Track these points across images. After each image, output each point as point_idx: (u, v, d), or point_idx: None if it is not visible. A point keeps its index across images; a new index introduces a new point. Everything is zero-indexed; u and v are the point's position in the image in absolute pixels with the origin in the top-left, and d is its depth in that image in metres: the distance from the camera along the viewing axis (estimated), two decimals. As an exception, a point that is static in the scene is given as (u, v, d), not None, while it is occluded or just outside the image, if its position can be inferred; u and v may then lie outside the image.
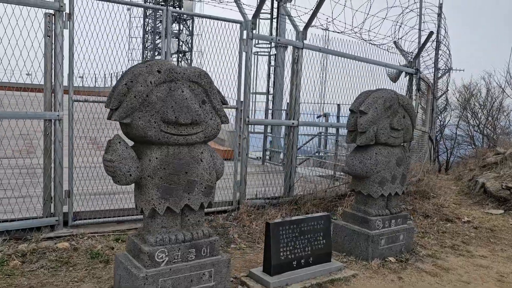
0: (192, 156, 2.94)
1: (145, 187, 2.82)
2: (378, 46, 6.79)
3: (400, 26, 6.75)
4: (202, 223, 3.11)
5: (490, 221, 5.95)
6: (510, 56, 38.04)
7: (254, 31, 5.33)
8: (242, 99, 5.40)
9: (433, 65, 9.75)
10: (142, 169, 2.78)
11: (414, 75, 7.51)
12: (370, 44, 7.06)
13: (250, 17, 5.38)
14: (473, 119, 25.46)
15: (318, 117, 11.63)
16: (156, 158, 2.81)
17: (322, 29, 6.11)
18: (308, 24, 5.75)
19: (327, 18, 6.47)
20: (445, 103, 17.06)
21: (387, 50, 6.99)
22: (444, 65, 11.18)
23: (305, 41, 5.84)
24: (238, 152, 5.61)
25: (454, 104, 27.22)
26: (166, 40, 4.84)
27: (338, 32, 6.16)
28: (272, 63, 12.95)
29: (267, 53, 13.11)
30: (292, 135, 5.94)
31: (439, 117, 22.88)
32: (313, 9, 5.46)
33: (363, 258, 4.11)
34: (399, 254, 4.30)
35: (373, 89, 4.27)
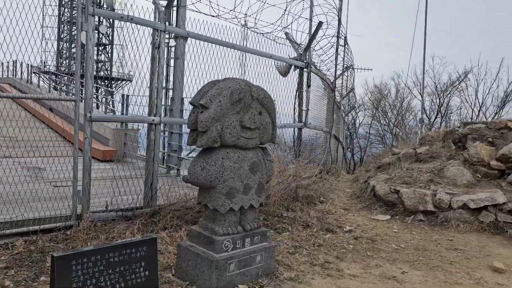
0: None
1: None
2: (263, 34, 6.08)
3: (285, 12, 6.11)
4: None
5: (374, 229, 5.48)
6: (410, 57, 40.35)
7: (96, 7, 4.31)
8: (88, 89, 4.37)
9: (329, 60, 9.34)
10: None
11: (304, 69, 6.92)
12: (258, 34, 6.34)
13: (91, -12, 4.35)
14: (383, 118, 26.39)
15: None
16: None
17: (194, 11, 5.23)
18: (169, 3, 4.85)
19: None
20: (354, 101, 17.16)
21: (274, 40, 6.30)
22: (343, 61, 10.90)
23: (167, 23, 4.93)
24: (83, 154, 4.56)
25: (367, 104, 28.08)
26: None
27: (213, 16, 5.33)
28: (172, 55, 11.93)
29: (165, 44, 12.08)
30: (154, 134, 5.01)
31: (350, 115, 23.31)
32: (173, -17, 4.56)
33: (206, 289, 3.29)
34: (254, 280, 3.55)
35: (221, 79, 3.47)
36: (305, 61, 6.97)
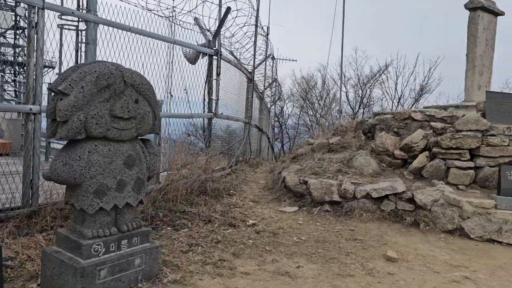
0: None
1: None
2: (167, 18, 5.68)
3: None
4: None
5: (279, 222, 5.36)
6: (329, 50, 41.67)
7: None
8: None
9: (244, 49, 9.14)
10: None
11: (214, 57, 6.62)
12: (163, 18, 5.92)
13: None
14: (311, 109, 26.96)
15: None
16: None
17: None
18: (47, -24, 4.29)
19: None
20: (280, 91, 17.22)
21: (179, 24, 5.92)
22: (266, 51, 10.76)
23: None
24: None
25: (295, 95, 28.52)
26: None
27: (105, -5, 4.84)
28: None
29: (74, 28, 11.17)
30: (32, 125, 4.44)
31: (278, 106, 23.55)
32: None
33: (70, 300, 2.91)
34: (133, 285, 3.22)
35: (87, 62, 3.06)
36: (215, 48, 6.67)
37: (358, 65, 29.25)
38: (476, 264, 4.29)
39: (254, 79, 10.62)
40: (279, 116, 27.18)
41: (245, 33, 8.24)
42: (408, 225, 5.45)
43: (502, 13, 8.58)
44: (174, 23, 5.89)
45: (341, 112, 12.99)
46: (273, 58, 16.77)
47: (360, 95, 24.12)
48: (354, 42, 54.53)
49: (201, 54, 6.51)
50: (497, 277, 3.95)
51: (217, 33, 6.64)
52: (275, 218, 5.53)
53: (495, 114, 6.44)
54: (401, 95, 24.31)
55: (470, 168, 6.08)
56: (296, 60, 20.16)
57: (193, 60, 6.52)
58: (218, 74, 6.82)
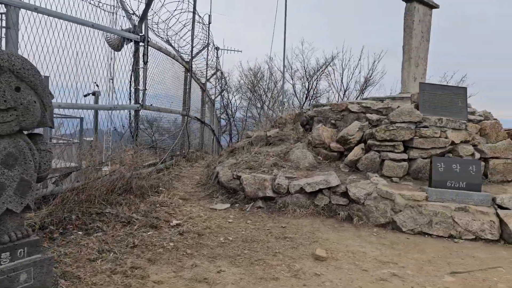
0: None
1: None
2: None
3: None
4: None
5: (207, 221, 5.01)
6: (272, 41, 41.75)
7: None
8: None
9: (177, 36, 8.65)
10: None
11: (140, 43, 6.11)
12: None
13: None
14: (259, 102, 26.75)
15: (85, 95, 9.75)
16: None
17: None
18: None
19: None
20: (225, 83, 16.76)
21: (98, 6, 5.37)
22: (208, 39, 10.31)
23: None
24: None
25: (243, 88, 28.17)
26: None
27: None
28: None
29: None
30: None
31: (224, 98, 23.16)
32: None
33: None
34: (18, 305, 2.75)
35: None
36: (141, 34, 6.16)
37: (304, 57, 29.33)
38: (405, 259, 4.18)
39: (193, 69, 10.15)
40: (227, 108, 26.74)
41: (178, 20, 7.75)
42: (341, 220, 5.30)
43: (436, 6, 8.68)
44: (93, 4, 5.33)
45: (284, 104, 12.84)
46: (217, 48, 16.31)
47: (307, 88, 24.20)
48: (300, 34, 54.88)
49: (125, 40, 5.98)
50: (425, 272, 3.85)
51: (143, 17, 6.12)
52: (203, 216, 5.17)
53: (428, 106, 6.45)
54: (346, 88, 24.63)
55: (403, 160, 6.04)
56: (241, 51, 19.71)
57: (116, 47, 5.98)
58: (145, 62, 6.31)
